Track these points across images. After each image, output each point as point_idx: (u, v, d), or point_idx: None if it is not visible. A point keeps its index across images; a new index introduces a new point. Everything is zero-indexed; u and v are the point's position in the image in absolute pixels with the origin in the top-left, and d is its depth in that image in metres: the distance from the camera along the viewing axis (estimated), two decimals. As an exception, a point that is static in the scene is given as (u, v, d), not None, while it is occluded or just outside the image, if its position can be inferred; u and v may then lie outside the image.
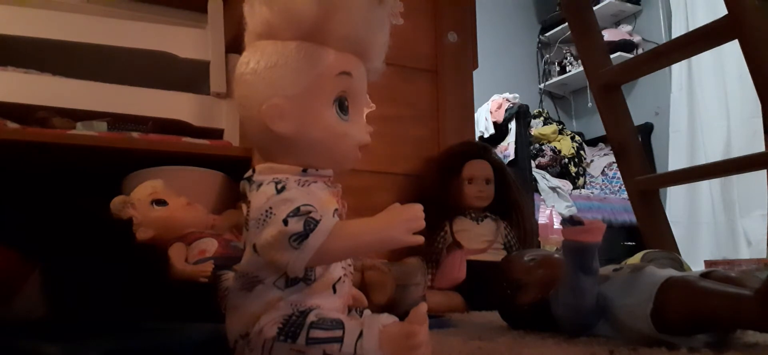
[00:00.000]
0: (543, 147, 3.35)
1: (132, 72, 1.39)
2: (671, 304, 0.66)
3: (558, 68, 3.85)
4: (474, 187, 1.44)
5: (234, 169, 1.23)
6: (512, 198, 1.48)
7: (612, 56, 1.75)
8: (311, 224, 0.49)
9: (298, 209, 0.50)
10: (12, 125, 1.15)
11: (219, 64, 1.39)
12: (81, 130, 1.22)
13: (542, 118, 3.56)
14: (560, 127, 3.52)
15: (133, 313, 0.82)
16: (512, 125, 3.14)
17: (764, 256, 2.62)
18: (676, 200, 3.06)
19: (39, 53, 1.31)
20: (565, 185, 3.23)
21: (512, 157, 3.05)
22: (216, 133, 1.37)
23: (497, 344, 0.75)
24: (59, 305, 0.82)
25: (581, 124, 3.85)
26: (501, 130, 3.19)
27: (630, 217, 2.69)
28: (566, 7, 1.58)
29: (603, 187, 3.42)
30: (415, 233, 0.51)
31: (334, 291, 0.55)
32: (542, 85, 3.94)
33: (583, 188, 3.36)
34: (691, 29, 2.68)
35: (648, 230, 1.42)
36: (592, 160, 3.54)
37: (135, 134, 1.24)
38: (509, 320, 0.93)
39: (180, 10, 1.50)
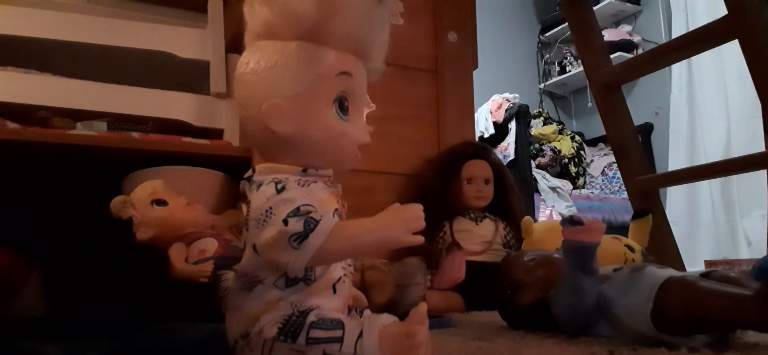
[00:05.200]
0: (543, 147, 3.35)
1: (132, 72, 1.39)
2: (671, 304, 0.65)
3: (558, 68, 3.85)
4: (473, 187, 1.44)
5: (234, 169, 1.23)
6: (508, 200, 1.48)
7: (612, 56, 1.76)
8: (311, 224, 0.49)
9: (298, 209, 0.50)
10: (12, 125, 1.15)
11: (219, 64, 1.40)
12: (81, 130, 1.22)
13: (542, 118, 3.56)
14: (560, 127, 3.52)
15: (133, 313, 0.82)
16: (512, 125, 3.14)
17: (764, 256, 2.61)
18: (676, 200, 3.06)
19: (39, 53, 1.31)
20: (565, 185, 3.23)
21: (512, 157, 3.05)
22: (216, 133, 1.38)
23: (497, 344, 0.75)
24: (59, 305, 0.82)
25: (581, 124, 3.85)
26: (501, 130, 3.19)
27: (630, 217, 2.69)
28: (566, 7, 1.58)
29: (603, 187, 3.42)
30: (415, 233, 0.52)
31: (334, 291, 0.55)
32: (542, 85, 3.94)
33: (583, 188, 3.36)
34: (691, 29, 2.68)
35: (648, 230, 1.42)
36: (592, 161, 3.54)
37: (135, 134, 1.24)
38: (509, 320, 0.93)
39: (180, 10, 1.50)
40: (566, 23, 1.96)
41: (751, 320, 0.62)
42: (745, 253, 2.81)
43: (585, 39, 1.52)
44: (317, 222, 0.49)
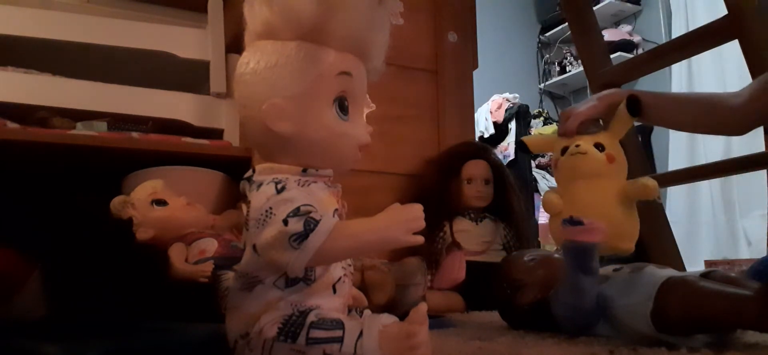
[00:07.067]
0: (543, 147, 3.35)
1: (132, 72, 1.39)
2: (671, 304, 0.66)
3: (558, 68, 3.84)
4: (473, 187, 1.44)
5: (234, 169, 1.23)
6: (508, 200, 1.48)
7: (612, 56, 1.75)
8: (311, 224, 0.49)
9: (298, 208, 0.50)
10: (12, 125, 1.15)
11: (219, 64, 1.39)
12: (81, 130, 1.22)
13: (542, 118, 3.56)
14: (560, 127, 3.51)
15: (133, 313, 0.82)
16: (512, 125, 3.14)
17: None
18: (676, 200, 3.05)
19: (39, 53, 1.31)
20: (565, 185, 3.22)
21: (512, 157, 3.04)
22: (216, 133, 1.37)
23: (497, 344, 0.75)
24: (59, 305, 0.82)
25: (581, 124, 3.85)
26: (501, 130, 3.19)
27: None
28: (566, 7, 1.58)
29: (603, 187, 3.41)
30: (415, 233, 0.52)
31: (334, 291, 0.55)
32: (542, 85, 3.94)
33: (583, 188, 3.35)
34: (691, 29, 2.68)
35: (648, 230, 1.42)
36: (592, 161, 3.53)
37: (135, 134, 1.24)
38: (509, 320, 0.93)
39: (180, 10, 1.50)
40: (566, 23, 1.96)
41: (751, 320, 0.62)
42: (745, 253, 2.81)
43: (585, 39, 1.52)
44: (317, 222, 0.49)
